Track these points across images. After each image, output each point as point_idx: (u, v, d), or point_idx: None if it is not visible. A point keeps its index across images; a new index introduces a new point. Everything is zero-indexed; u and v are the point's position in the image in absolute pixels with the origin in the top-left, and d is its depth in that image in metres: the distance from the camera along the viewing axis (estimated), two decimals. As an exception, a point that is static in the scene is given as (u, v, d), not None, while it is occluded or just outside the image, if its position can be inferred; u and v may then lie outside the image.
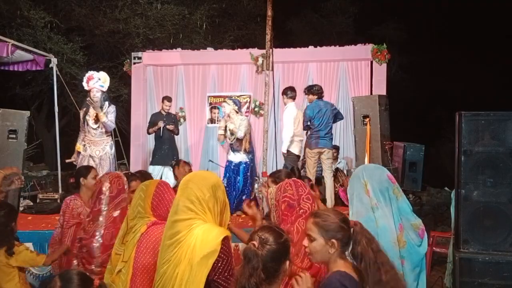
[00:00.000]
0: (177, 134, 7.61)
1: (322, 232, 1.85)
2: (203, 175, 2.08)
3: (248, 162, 6.23)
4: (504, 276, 3.32)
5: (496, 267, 3.15)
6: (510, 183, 3.48)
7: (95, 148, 5.78)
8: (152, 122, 7.32)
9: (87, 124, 5.83)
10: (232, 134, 6.16)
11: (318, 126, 6.05)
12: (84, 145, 5.82)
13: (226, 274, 1.83)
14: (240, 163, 6.19)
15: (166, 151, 7.28)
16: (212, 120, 8.88)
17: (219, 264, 1.83)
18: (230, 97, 6.85)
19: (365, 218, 2.21)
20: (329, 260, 1.86)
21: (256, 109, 8.67)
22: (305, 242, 1.89)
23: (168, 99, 7.50)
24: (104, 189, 2.79)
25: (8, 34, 8.52)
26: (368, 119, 5.74)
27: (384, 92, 7.54)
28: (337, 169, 6.81)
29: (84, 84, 5.98)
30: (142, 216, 2.26)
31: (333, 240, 1.83)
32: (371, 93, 7.79)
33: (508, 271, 3.33)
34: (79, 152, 5.86)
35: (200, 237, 1.82)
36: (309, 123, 6.17)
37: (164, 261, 1.86)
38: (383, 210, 2.21)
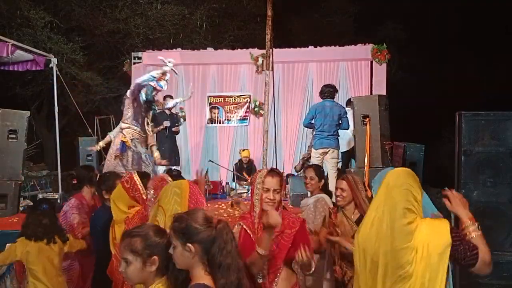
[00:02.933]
0: (177, 133, 7.63)
1: (179, 237, 1.70)
2: (400, 173, 2.13)
3: None
4: (504, 276, 3.32)
5: (496, 267, 3.13)
6: (510, 183, 3.48)
7: (142, 147, 5.66)
8: (156, 122, 7.26)
9: (147, 124, 5.72)
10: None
11: (320, 126, 6.04)
12: (132, 140, 5.66)
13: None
14: None
15: (168, 150, 7.28)
16: (212, 120, 8.88)
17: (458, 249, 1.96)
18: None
19: None
20: (192, 268, 1.70)
21: (256, 109, 8.67)
22: (170, 250, 1.74)
23: (171, 97, 7.51)
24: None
25: (8, 34, 8.52)
26: (368, 119, 5.73)
27: (384, 92, 7.54)
28: (338, 169, 6.81)
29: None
30: None
31: (189, 244, 1.67)
32: (371, 93, 7.80)
33: (508, 271, 3.34)
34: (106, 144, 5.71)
35: (430, 234, 1.96)
36: (311, 122, 6.17)
37: (403, 264, 1.95)
38: None
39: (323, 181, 3.70)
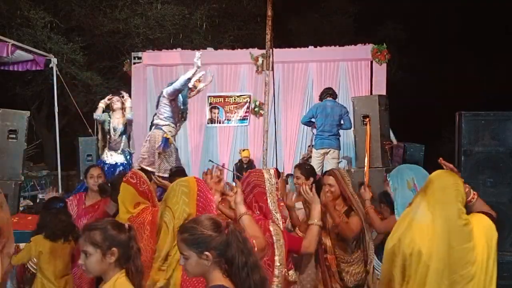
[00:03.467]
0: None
1: (192, 248, 1.69)
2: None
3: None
4: (504, 276, 3.32)
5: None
6: (510, 183, 3.49)
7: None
8: None
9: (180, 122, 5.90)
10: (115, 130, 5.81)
11: (321, 126, 6.05)
12: (174, 137, 5.76)
13: None
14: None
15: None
16: (212, 120, 8.87)
17: None
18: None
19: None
20: (208, 273, 1.70)
21: (256, 109, 8.67)
22: (181, 261, 1.73)
23: None
24: None
25: (8, 34, 8.52)
26: (368, 119, 5.73)
27: (384, 92, 7.54)
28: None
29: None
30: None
31: (206, 253, 1.66)
32: (371, 93, 7.79)
33: (508, 271, 3.34)
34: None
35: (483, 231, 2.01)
36: (311, 120, 6.18)
37: (465, 264, 1.96)
38: None
39: (311, 179, 3.55)
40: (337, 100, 6.49)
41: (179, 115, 5.73)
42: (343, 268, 3.07)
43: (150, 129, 6.15)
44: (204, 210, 2.02)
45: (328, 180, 3.13)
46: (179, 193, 2.02)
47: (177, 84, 5.52)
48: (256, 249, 1.87)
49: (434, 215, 2.00)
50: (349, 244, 3.09)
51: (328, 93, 6.33)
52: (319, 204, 2.53)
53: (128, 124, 6.05)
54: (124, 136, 5.64)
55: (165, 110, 5.53)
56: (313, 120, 6.18)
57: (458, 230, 1.97)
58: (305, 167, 3.74)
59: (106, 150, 5.73)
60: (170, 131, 5.53)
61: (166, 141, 5.46)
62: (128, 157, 5.70)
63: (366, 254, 3.06)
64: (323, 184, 3.15)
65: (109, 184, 3.40)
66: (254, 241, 1.88)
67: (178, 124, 5.77)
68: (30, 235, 3.28)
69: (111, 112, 5.69)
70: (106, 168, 5.37)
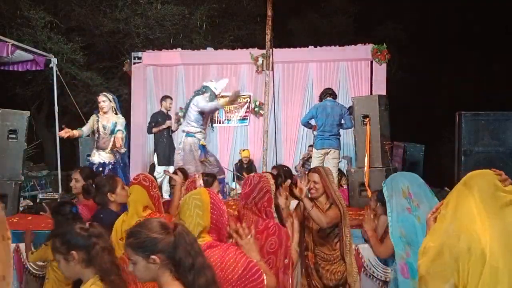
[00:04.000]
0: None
1: (139, 252, 1.64)
2: None
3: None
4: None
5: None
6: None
7: None
8: (156, 122, 7.26)
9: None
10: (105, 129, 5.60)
11: (321, 126, 6.05)
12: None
13: None
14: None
15: (168, 151, 7.28)
16: (212, 120, 8.86)
17: None
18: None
19: (404, 217, 2.43)
20: (158, 277, 1.66)
21: (256, 109, 8.67)
22: (130, 267, 1.68)
23: (170, 97, 7.53)
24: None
25: (8, 34, 8.51)
26: (368, 119, 5.72)
27: (384, 92, 7.54)
28: (338, 169, 6.81)
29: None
30: (198, 236, 1.92)
31: (153, 256, 1.62)
32: (371, 93, 7.79)
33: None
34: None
35: None
36: (310, 122, 6.18)
37: None
38: (425, 208, 2.37)
39: (288, 181, 3.52)
40: (336, 100, 6.50)
41: (207, 120, 5.94)
42: (324, 266, 3.11)
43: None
44: (218, 222, 1.98)
45: (313, 177, 3.20)
46: (192, 207, 1.96)
47: (206, 107, 5.76)
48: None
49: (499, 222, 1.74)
50: (330, 241, 3.15)
51: (328, 93, 6.35)
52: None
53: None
54: (113, 135, 5.45)
55: (195, 116, 5.74)
56: (312, 122, 6.18)
57: None
58: (283, 168, 3.75)
59: (94, 150, 5.57)
60: (203, 137, 5.76)
61: (203, 148, 5.67)
62: (117, 156, 5.49)
63: (343, 252, 3.09)
64: (308, 180, 3.21)
65: (94, 185, 3.38)
66: (255, 265, 1.88)
67: (205, 129, 5.94)
68: (43, 235, 3.31)
69: (100, 112, 5.52)
70: (94, 168, 5.25)
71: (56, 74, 7.33)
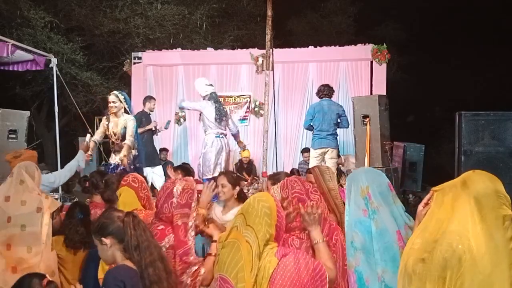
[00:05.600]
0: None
1: (96, 236, 1.99)
2: None
3: None
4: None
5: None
6: (510, 183, 3.48)
7: None
8: (140, 122, 6.81)
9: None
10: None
11: (318, 125, 6.05)
12: None
13: None
14: None
15: (151, 152, 7.10)
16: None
17: None
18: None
19: (359, 219, 2.19)
20: (113, 257, 1.97)
21: (256, 109, 8.67)
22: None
23: (154, 98, 7.46)
24: (175, 191, 2.36)
25: (8, 34, 8.51)
26: (368, 119, 5.72)
27: (384, 92, 7.54)
28: (337, 169, 6.80)
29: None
30: (266, 244, 1.93)
31: (103, 238, 1.95)
32: (371, 93, 7.79)
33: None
34: None
35: None
36: (310, 123, 6.18)
37: None
38: (384, 213, 2.19)
39: (237, 188, 3.27)
40: (333, 97, 6.50)
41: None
42: None
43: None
44: (279, 228, 1.98)
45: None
46: (261, 214, 1.93)
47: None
48: (328, 280, 1.90)
49: (485, 228, 1.69)
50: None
51: (324, 92, 6.34)
52: (318, 227, 2.22)
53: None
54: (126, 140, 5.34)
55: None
56: (310, 123, 6.19)
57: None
58: (231, 175, 3.42)
59: (112, 154, 5.55)
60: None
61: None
62: (130, 160, 5.38)
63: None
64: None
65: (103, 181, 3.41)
66: (326, 272, 1.90)
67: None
68: None
69: (110, 113, 5.40)
70: (109, 169, 5.29)
71: (56, 74, 7.32)
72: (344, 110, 6.34)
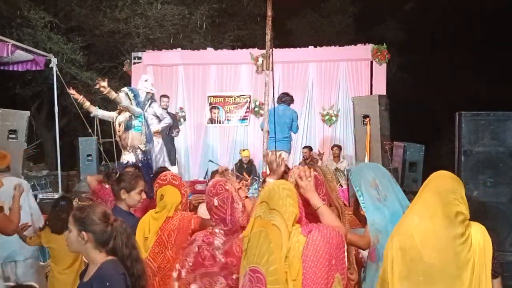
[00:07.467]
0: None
1: (76, 224, 1.97)
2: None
3: None
4: (504, 276, 3.31)
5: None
6: (510, 183, 3.48)
7: None
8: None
9: None
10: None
11: (273, 129, 6.10)
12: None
13: None
14: None
15: (170, 150, 7.25)
16: (212, 120, 8.88)
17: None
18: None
19: (375, 206, 2.45)
20: (86, 252, 1.98)
21: (256, 109, 8.68)
22: (65, 233, 2.04)
23: (167, 96, 7.64)
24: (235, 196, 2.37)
25: (8, 34, 8.50)
26: (368, 119, 5.73)
27: (384, 92, 7.54)
28: (336, 169, 6.81)
29: None
30: (293, 224, 1.99)
31: (83, 232, 1.94)
32: (371, 93, 7.80)
33: (508, 271, 3.34)
34: None
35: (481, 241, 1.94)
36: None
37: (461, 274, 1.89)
38: (392, 198, 2.46)
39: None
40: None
41: None
42: None
43: None
44: (301, 210, 2.06)
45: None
46: (284, 196, 2.00)
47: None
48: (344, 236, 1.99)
49: (437, 222, 1.94)
50: None
51: (282, 99, 6.64)
52: (315, 193, 2.28)
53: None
54: (131, 130, 5.19)
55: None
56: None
57: (459, 238, 1.90)
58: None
59: (122, 155, 5.36)
60: None
61: None
62: (140, 156, 5.19)
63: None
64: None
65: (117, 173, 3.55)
66: (339, 230, 1.98)
67: None
68: None
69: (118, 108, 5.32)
70: (122, 168, 5.16)
71: (56, 74, 7.32)
72: (297, 116, 6.68)
